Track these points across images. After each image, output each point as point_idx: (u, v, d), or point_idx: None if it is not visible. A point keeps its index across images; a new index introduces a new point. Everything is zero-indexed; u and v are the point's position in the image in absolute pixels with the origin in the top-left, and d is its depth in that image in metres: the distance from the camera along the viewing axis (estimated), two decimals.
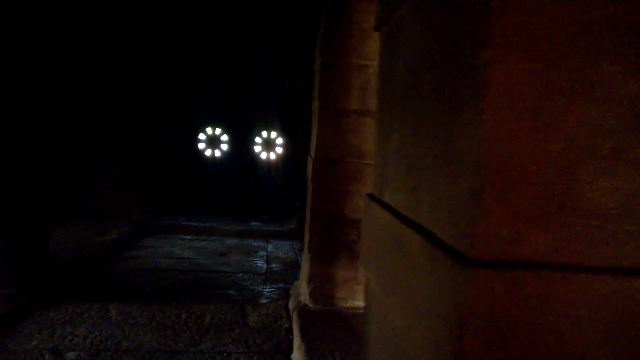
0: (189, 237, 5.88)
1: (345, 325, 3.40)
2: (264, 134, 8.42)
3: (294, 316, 3.52)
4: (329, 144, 3.59)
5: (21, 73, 3.51)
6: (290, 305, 3.84)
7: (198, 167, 8.15)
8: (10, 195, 3.50)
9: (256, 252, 5.44)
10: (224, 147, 8.37)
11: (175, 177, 7.77)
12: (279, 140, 8.42)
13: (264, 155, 8.42)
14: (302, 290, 3.81)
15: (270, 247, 5.68)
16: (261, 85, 8.09)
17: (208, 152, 8.31)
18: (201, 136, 8.28)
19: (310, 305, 3.62)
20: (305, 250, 3.79)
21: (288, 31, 7.19)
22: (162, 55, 7.42)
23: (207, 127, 8.27)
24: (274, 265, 4.97)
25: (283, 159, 8.35)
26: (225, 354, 2.92)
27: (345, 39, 3.55)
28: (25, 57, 3.54)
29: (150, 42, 6.99)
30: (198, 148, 8.23)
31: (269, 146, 8.45)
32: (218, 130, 8.35)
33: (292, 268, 4.88)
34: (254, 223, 6.61)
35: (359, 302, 3.69)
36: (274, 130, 8.44)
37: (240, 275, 4.55)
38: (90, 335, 3.03)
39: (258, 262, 5.03)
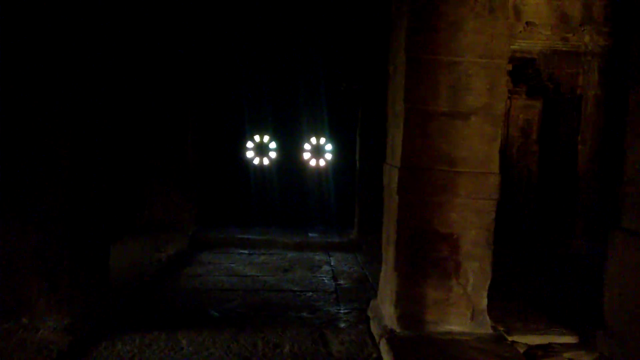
0: (246, 252, 5.55)
1: (443, 354, 2.97)
2: (313, 140, 8.06)
3: (383, 344, 3.10)
4: (417, 151, 3.17)
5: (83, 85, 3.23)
6: (374, 330, 3.42)
7: (246, 176, 7.85)
8: (73, 206, 3.20)
9: (319, 266, 5.06)
10: (273, 154, 8.06)
11: (224, 188, 7.50)
12: (328, 147, 8.05)
13: (313, 162, 8.06)
14: (386, 313, 3.39)
15: (332, 261, 5.29)
16: (309, 90, 7.73)
17: (256, 161, 8.01)
18: (249, 144, 7.99)
19: (398, 330, 3.19)
20: (389, 268, 3.37)
21: (340, 32, 6.81)
22: (210, 62, 7.16)
23: (255, 134, 7.98)
24: (342, 281, 4.57)
25: (333, 166, 7.97)
26: None
27: (432, 34, 3.12)
28: (91, 68, 3.26)
29: (199, 48, 6.74)
30: (246, 157, 7.95)
31: (318, 153, 8.08)
32: (266, 138, 8.05)
33: (361, 284, 4.47)
34: (311, 234, 6.24)
35: (452, 327, 3.24)
36: (323, 137, 8.08)
37: (309, 294, 4.16)
38: None
39: (324, 278, 4.65)
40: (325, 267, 5.02)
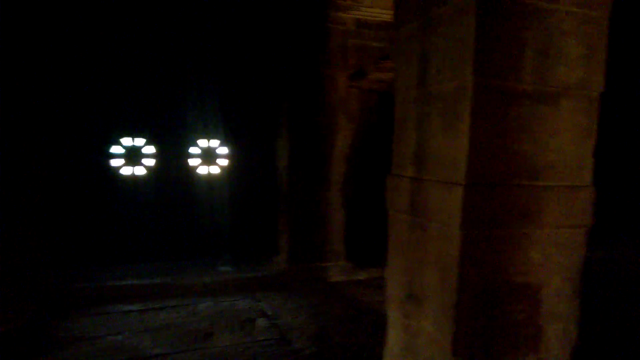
0: (136, 308, 3.56)
1: None
2: (202, 143, 6.19)
3: None
4: (490, 157, 1.81)
5: None
6: None
7: (114, 192, 5.63)
8: None
9: (252, 321, 3.38)
10: (149, 162, 5.95)
11: (87, 210, 5.20)
12: (222, 150, 6.26)
13: (203, 170, 6.19)
14: None
15: (267, 308, 3.65)
16: (195, 81, 5.86)
17: (127, 170, 5.82)
18: (116, 149, 5.77)
19: None
20: (437, 350, 1.95)
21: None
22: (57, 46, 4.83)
23: (123, 136, 5.78)
24: (298, 344, 2.99)
25: (233, 174, 6.20)
26: None
27: None
28: None
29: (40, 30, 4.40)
30: (111, 165, 5.71)
31: (210, 158, 6.24)
32: (140, 141, 5.91)
33: (328, 346, 2.97)
34: (222, 268, 4.46)
35: None
36: (215, 138, 6.25)
37: None
38: None
39: (272, 344, 3.01)
40: (262, 322, 3.36)
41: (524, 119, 1.85)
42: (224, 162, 6.12)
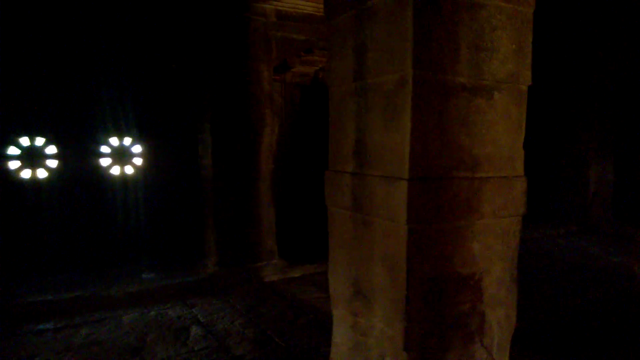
0: (51, 327, 3.13)
1: None
2: (114, 141, 5.66)
3: None
4: (432, 150, 1.79)
5: None
6: None
7: (14, 198, 4.95)
8: None
9: (186, 330, 3.13)
10: (52, 163, 5.31)
11: None
12: (137, 148, 5.77)
13: (116, 170, 5.66)
14: None
15: (201, 315, 3.40)
16: (105, 74, 5.32)
17: (25, 173, 5.14)
18: (11, 150, 5.06)
19: None
20: (389, 346, 1.91)
21: None
22: None
23: (20, 135, 5.09)
24: (239, 351, 2.82)
25: (147, 173, 5.74)
26: None
27: None
28: None
29: None
30: (8, 168, 5.01)
31: (123, 157, 5.73)
32: (39, 140, 5.24)
33: (276, 351, 2.83)
34: (146, 276, 4.10)
35: None
36: (128, 135, 5.75)
37: None
38: None
39: (210, 353, 2.80)
40: (197, 330, 3.12)
41: (462, 112, 1.86)
42: (139, 161, 5.66)
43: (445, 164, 1.83)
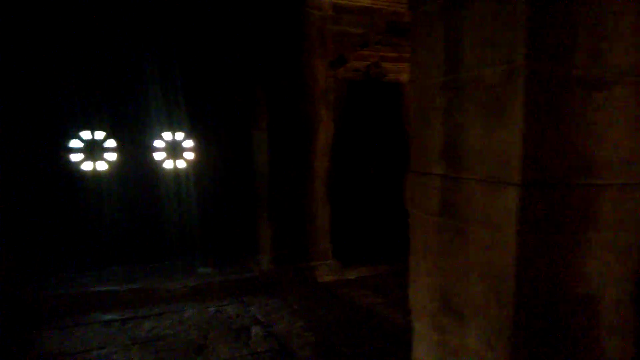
0: (117, 317, 3.10)
1: None
2: (167, 135, 5.63)
3: None
4: (547, 152, 1.55)
5: None
6: None
7: (76, 189, 5.00)
8: None
9: (246, 329, 3.01)
10: (111, 156, 5.34)
11: (49, 212, 4.55)
12: (188, 143, 5.73)
13: (169, 164, 5.65)
14: None
15: (259, 314, 3.28)
16: (159, 69, 5.28)
17: (87, 166, 5.19)
18: (74, 143, 5.12)
19: None
20: None
21: None
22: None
23: (83, 129, 5.13)
24: (303, 355, 2.66)
25: (199, 167, 5.69)
26: None
27: None
28: None
29: None
30: (71, 160, 5.07)
31: (176, 151, 5.70)
32: (100, 134, 5.28)
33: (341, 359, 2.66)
34: (201, 269, 4.02)
35: None
36: (181, 131, 5.71)
37: None
38: None
39: (274, 357, 2.66)
40: (257, 331, 3.00)
41: (578, 109, 1.60)
42: (191, 155, 5.62)
43: (560, 167, 1.58)
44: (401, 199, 5.86)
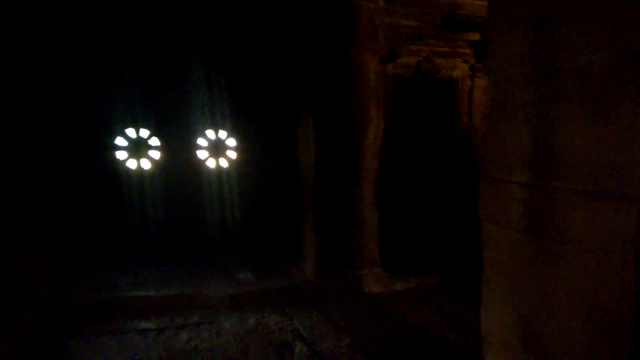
0: (153, 326, 2.98)
1: None
2: (210, 134, 5.55)
3: None
4: None
5: None
6: None
7: (120, 187, 5.01)
8: None
9: (290, 348, 2.80)
10: (155, 154, 5.32)
11: (87, 206, 4.57)
12: (231, 142, 5.63)
13: (211, 163, 5.57)
14: None
15: (302, 328, 3.06)
16: (201, 67, 5.20)
17: (132, 164, 5.19)
18: (120, 141, 5.13)
19: None
20: None
21: None
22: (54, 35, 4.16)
23: (127, 127, 5.14)
24: None
25: (241, 167, 5.58)
26: None
27: None
28: None
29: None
30: (116, 158, 5.08)
31: (218, 150, 5.61)
32: (144, 132, 5.27)
33: None
34: (242, 276, 3.87)
35: None
36: (223, 129, 5.62)
37: None
38: None
39: None
40: (301, 349, 2.77)
41: None
42: (233, 154, 5.51)
43: None
44: (451, 204, 5.48)
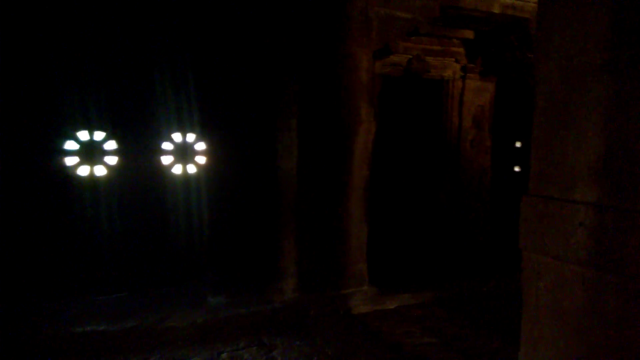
0: None
1: None
2: (177, 137, 5.09)
3: None
4: None
5: None
6: None
7: (69, 198, 4.47)
8: None
9: None
10: (111, 160, 4.80)
11: (33, 222, 4.02)
12: (200, 146, 5.18)
13: (178, 170, 5.10)
14: None
15: None
16: (167, 62, 4.75)
17: (84, 171, 4.66)
18: (70, 145, 4.59)
19: None
20: None
21: None
22: None
23: (79, 129, 4.61)
24: None
25: (211, 173, 5.13)
26: None
27: None
28: None
29: None
30: (65, 164, 4.54)
31: (186, 155, 5.15)
32: (99, 135, 4.75)
33: None
34: (213, 300, 3.42)
35: None
36: (192, 132, 5.17)
37: None
38: None
39: None
40: None
41: None
42: (203, 159, 5.07)
43: None
44: (446, 213, 5.23)
